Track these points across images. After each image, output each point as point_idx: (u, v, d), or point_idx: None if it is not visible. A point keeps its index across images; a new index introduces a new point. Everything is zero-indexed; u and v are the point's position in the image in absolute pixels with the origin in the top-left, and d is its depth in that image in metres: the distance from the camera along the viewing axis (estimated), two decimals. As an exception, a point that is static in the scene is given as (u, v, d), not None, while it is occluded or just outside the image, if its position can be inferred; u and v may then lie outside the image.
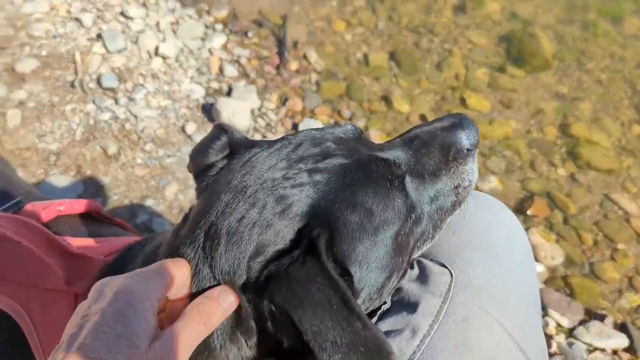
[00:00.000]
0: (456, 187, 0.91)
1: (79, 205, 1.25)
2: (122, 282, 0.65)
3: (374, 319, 0.86)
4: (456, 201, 0.92)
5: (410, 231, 0.84)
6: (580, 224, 2.47)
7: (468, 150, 0.91)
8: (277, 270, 0.70)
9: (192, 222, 0.80)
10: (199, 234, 0.77)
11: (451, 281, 0.90)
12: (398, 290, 0.91)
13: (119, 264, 0.99)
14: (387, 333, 0.84)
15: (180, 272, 0.74)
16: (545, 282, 2.26)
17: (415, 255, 0.91)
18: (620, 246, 2.39)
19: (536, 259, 2.31)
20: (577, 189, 2.61)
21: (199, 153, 0.92)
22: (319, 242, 0.71)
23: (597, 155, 2.73)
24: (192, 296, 0.75)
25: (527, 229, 2.41)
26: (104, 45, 2.96)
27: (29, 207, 1.17)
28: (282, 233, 0.74)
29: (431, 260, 0.95)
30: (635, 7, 3.71)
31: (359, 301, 0.79)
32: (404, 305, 0.88)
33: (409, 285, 0.91)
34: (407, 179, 0.86)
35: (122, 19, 3.16)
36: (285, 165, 0.80)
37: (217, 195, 0.80)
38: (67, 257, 1.01)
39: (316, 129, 0.89)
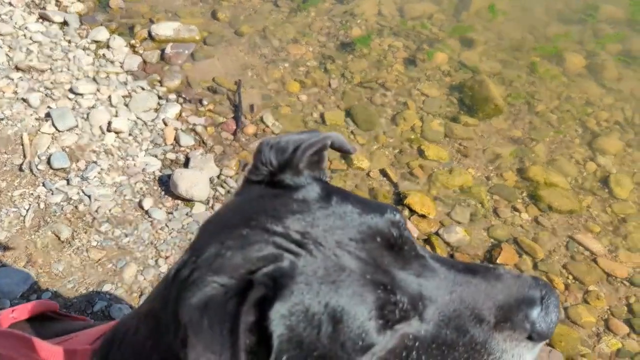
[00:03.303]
0: None
1: (33, 308, 1.18)
2: None
3: None
4: None
5: None
6: (549, 268, 2.46)
7: (532, 337, 0.76)
8: (204, 291, 0.69)
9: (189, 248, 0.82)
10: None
11: None
12: None
13: (109, 345, 0.94)
14: None
15: None
16: (523, 332, 2.22)
17: None
18: (592, 288, 2.39)
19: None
20: (542, 233, 2.62)
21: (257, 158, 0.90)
22: (254, 290, 0.69)
23: (557, 197, 2.76)
24: None
25: (498, 279, 2.39)
26: (53, 124, 2.88)
27: None
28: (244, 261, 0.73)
29: None
30: (571, 46, 3.88)
31: None
32: None
33: None
34: (415, 321, 0.76)
35: (71, 95, 3.10)
36: (301, 226, 0.77)
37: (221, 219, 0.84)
38: (51, 356, 0.94)
39: (361, 207, 0.81)
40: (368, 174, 2.88)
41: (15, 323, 1.12)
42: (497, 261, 2.45)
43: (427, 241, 2.56)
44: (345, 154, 1.00)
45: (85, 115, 2.98)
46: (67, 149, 2.76)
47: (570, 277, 2.43)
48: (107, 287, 2.16)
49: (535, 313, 0.75)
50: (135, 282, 2.20)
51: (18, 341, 0.97)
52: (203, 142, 2.96)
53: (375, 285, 0.72)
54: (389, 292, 0.72)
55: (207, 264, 0.73)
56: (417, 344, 0.75)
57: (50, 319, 1.21)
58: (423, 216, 2.65)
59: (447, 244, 2.54)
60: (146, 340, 0.84)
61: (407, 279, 0.75)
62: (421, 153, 3.00)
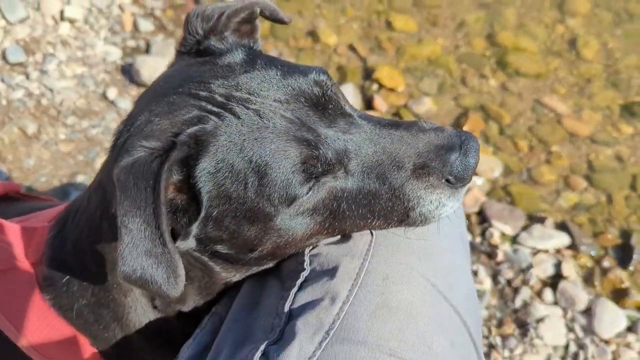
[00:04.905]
0: (409, 209, 0.81)
1: None
2: None
3: (294, 289, 0.84)
4: (403, 221, 0.83)
5: (316, 225, 0.81)
6: (515, 132, 2.52)
7: (450, 180, 0.79)
8: (133, 154, 0.73)
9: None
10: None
11: (371, 240, 0.87)
12: (316, 255, 0.88)
13: (65, 219, 0.99)
14: (306, 304, 0.81)
15: None
16: (487, 195, 2.33)
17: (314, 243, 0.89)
18: (554, 148, 2.46)
19: (476, 174, 2.36)
20: (509, 98, 2.64)
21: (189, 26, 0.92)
22: (176, 150, 0.73)
23: (525, 61, 2.75)
24: None
25: (465, 146, 2.45)
26: (3, 17, 2.74)
27: None
28: (169, 126, 0.77)
29: None
30: None
31: (211, 231, 0.80)
32: (324, 271, 0.85)
33: (328, 248, 0.88)
34: (340, 174, 0.79)
35: (17, -16, 2.91)
36: (225, 90, 0.79)
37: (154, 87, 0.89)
38: (11, 234, 0.99)
39: (286, 70, 0.82)
40: (336, 51, 2.82)
41: None
42: (464, 129, 2.49)
43: (396, 114, 2.58)
44: (279, 23, 0.99)
45: (35, 5, 2.82)
46: (21, 42, 2.65)
47: (535, 139, 2.50)
48: (80, 178, 2.19)
49: (453, 157, 0.78)
50: (108, 171, 2.23)
51: None
52: (163, 27, 2.85)
53: (298, 142, 0.75)
54: (313, 147, 0.76)
55: (138, 131, 0.77)
56: (345, 194, 0.80)
57: (16, 200, 1.24)
58: (392, 90, 2.65)
59: (416, 115, 2.56)
60: (96, 210, 0.88)
61: (333, 136, 0.78)
62: (389, 25, 2.92)
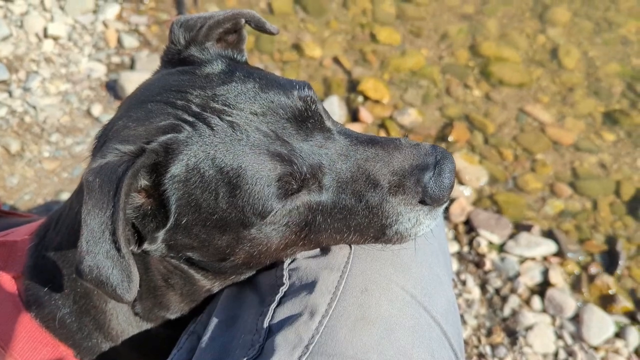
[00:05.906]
0: (386, 226, 0.81)
1: None
2: None
3: (274, 304, 0.84)
4: (379, 238, 0.83)
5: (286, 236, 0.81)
6: (499, 141, 2.54)
7: (425, 202, 0.79)
8: (105, 157, 0.74)
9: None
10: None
11: (350, 253, 0.87)
12: (295, 269, 0.87)
13: (46, 228, 0.99)
14: (286, 319, 0.81)
15: None
16: (474, 204, 2.33)
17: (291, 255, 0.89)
18: (539, 156, 2.48)
19: (462, 183, 2.37)
20: (493, 108, 2.67)
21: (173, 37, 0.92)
22: (143, 157, 0.73)
23: (508, 71, 2.78)
24: None
25: (450, 155, 2.46)
26: (-14, 35, 2.73)
27: None
28: (142, 133, 0.78)
29: None
30: None
31: (181, 238, 0.81)
32: (303, 285, 0.84)
33: (307, 262, 0.87)
34: (315, 188, 0.79)
35: (0, 2, 2.90)
36: (201, 100, 0.79)
37: (132, 96, 0.88)
38: None
39: (264, 83, 0.82)
40: (321, 63, 2.84)
41: None
42: (449, 139, 2.51)
43: (382, 125, 2.59)
44: (267, 33, 1.00)
45: (18, 23, 2.81)
46: (4, 60, 2.64)
47: (519, 148, 2.52)
48: (64, 196, 2.17)
49: (427, 177, 0.78)
50: (92, 188, 2.22)
51: None
52: (148, 43, 2.85)
53: (271, 156, 0.75)
54: (287, 161, 0.76)
55: (115, 135, 0.78)
56: (320, 208, 0.80)
57: None
58: (377, 101, 2.66)
59: (401, 126, 2.58)
60: (76, 215, 0.88)
61: (308, 150, 0.78)
62: (373, 37, 2.94)
